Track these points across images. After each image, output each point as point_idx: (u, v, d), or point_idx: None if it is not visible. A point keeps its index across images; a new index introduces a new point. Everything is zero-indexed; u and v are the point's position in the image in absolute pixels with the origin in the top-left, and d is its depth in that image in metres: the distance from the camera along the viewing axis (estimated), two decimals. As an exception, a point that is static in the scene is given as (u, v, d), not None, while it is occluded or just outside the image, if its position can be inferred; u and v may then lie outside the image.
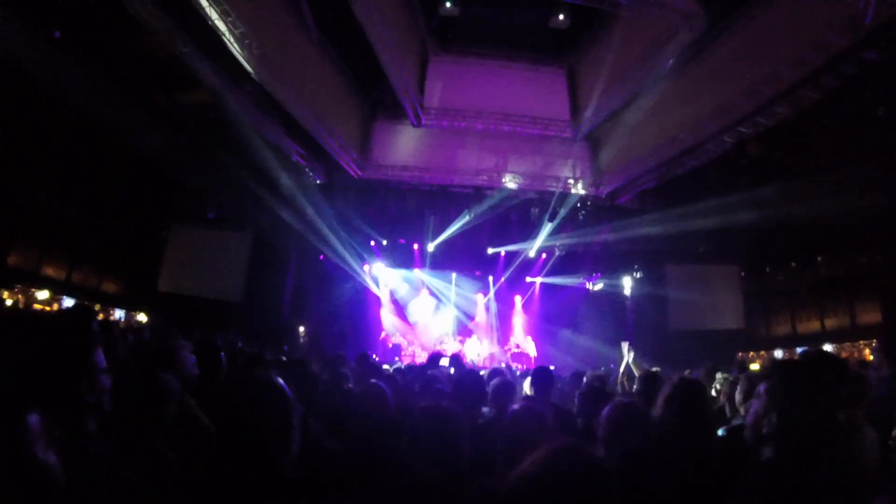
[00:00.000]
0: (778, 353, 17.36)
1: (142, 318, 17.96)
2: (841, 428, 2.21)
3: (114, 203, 16.65)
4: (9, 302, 14.52)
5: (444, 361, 9.10)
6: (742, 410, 3.66)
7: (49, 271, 16.19)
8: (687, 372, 7.42)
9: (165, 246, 18.40)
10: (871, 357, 8.62)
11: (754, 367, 9.77)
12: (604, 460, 1.62)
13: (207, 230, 18.54)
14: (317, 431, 2.89)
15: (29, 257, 15.66)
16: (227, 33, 10.87)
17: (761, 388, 2.08)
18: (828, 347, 14.72)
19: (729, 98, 12.43)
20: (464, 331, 20.89)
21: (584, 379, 5.95)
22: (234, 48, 11.19)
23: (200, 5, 10.23)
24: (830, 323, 17.57)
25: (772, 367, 1.93)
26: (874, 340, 13.15)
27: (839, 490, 1.68)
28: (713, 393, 5.35)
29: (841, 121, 12.36)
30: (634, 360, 7.58)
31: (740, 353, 17.45)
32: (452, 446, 2.25)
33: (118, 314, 17.71)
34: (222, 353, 4.71)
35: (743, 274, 19.34)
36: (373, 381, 3.86)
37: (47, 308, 14.90)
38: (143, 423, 2.60)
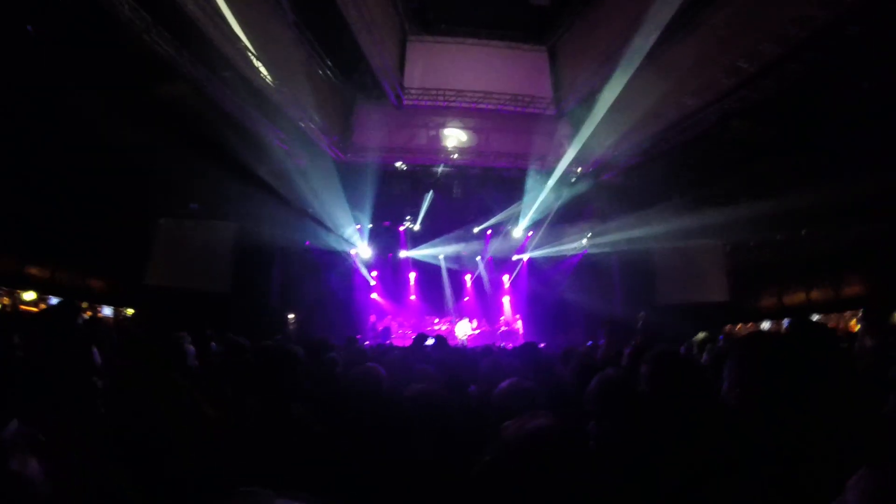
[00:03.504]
0: (765, 325, 17.56)
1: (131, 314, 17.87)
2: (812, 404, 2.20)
3: (95, 199, 16.43)
4: (-6, 305, 14.39)
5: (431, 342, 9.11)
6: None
7: (33, 271, 16.01)
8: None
9: (150, 240, 18.26)
10: (857, 327, 8.71)
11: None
12: (575, 428, 1.63)
13: (191, 222, 18.41)
14: (304, 417, 2.87)
15: (11, 258, 15.46)
16: (202, 20, 10.67)
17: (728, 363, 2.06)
18: (814, 318, 14.86)
19: (711, 74, 12.42)
20: (453, 311, 20.99)
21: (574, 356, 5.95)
22: (211, 34, 10.99)
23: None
24: (816, 295, 17.73)
25: (735, 342, 1.91)
26: (860, 311, 13.29)
27: (807, 469, 1.67)
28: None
29: (824, 95, 12.36)
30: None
31: (728, 326, 17.62)
32: (442, 428, 2.25)
33: (106, 311, 17.58)
34: (212, 344, 4.70)
35: (728, 248, 19.47)
36: (369, 364, 3.81)
37: (34, 309, 14.76)
38: (148, 423, 2.57)
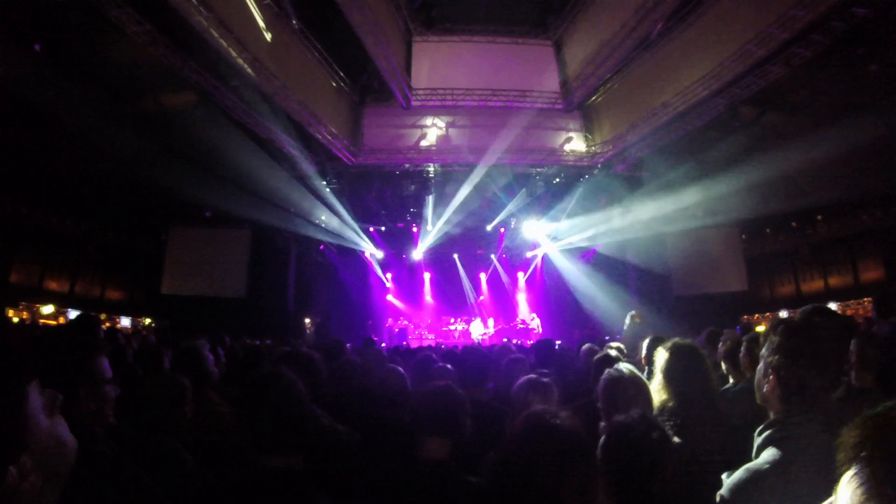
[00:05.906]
0: (783, 314, 17.39)
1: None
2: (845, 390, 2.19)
3: (110, 211, 16.64)
4: (15, 319, 14.56)
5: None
6: (748, 374, 3.63)
7: (52, 285, 16.26)
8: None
9: (165, 249, 18.42)
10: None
11: (760, 329, 9.75)
12: (576, 424, 1.61)
13: (206, 229, 18.56)
14: (322, 419, 2.89)
15: (31, 273, 15.71)
16: (207, 30, 10.73)
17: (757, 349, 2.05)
18: (832, 306, 14.73)
19: (719, 61, 12.28)
20: (468, 310, 20.98)
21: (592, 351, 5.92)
22: (216, 44, 11.05)
23: (179, 4, 10.08)
24: (834, 281, 17.60)
25: (770, 326, 1.89)
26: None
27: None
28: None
29: (834, 79, 12.22)
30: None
31: (745, 316, 17.48)
32: (455, 424, 2.26)
33: (125, 321, 17.76)
34: (220, 350, 4.74)
35: (744, 236, 19.31)
36: (392, 365, 3.88)
37: (52, 322, 14.95)
38: (158, 425, 2.60)
